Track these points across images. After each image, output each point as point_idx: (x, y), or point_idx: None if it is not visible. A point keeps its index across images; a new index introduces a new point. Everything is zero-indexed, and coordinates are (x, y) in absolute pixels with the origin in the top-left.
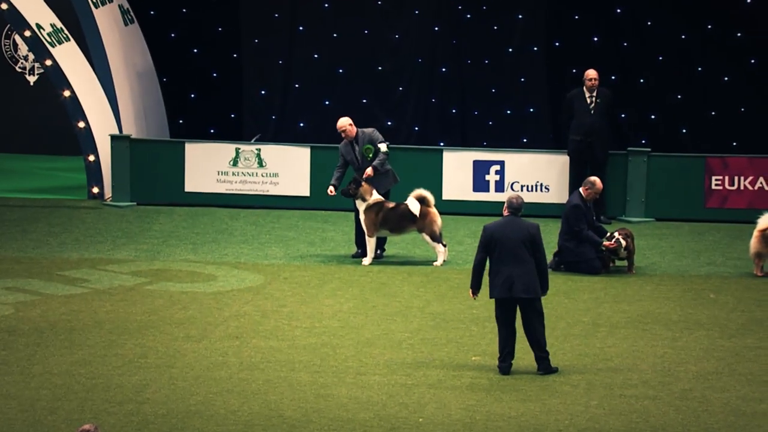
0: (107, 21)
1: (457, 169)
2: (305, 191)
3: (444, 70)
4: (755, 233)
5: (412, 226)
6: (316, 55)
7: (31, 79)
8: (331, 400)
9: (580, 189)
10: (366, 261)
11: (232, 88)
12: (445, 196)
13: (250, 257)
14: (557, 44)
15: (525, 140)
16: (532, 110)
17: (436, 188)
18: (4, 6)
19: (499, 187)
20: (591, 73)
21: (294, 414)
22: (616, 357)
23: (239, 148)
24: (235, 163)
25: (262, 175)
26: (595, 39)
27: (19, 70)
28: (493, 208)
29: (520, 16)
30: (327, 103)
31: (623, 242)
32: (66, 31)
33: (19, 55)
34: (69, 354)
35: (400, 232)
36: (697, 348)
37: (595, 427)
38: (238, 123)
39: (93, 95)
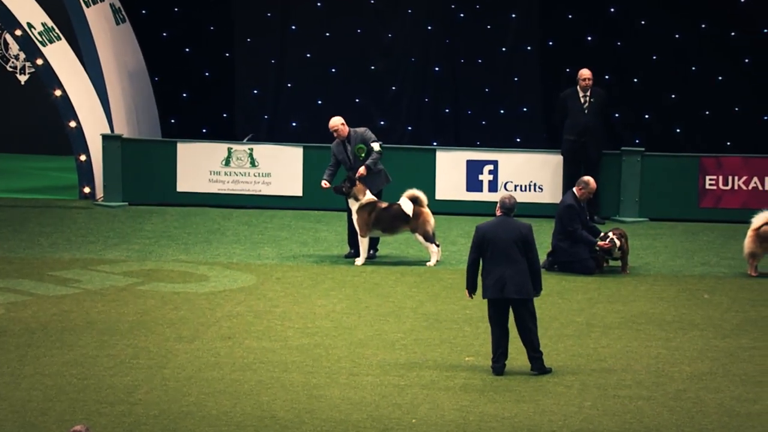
0: (99, 20)
1: (450, 169)
2: (298, 191)
3: (437, 69)
4: (749, 233)
5: (405, 227)
6: (308, 55)
7: (22, 78)
8: (323, 401)
9: (574, 189)
10: (359, 261)
11: (224, 88)
12: (439, 195)
13: (242, 257)
14: (551, 44)
15: (518, 140)
16: (525, 110)
17: (429, 188)
18: None
19: (493, 186)
20: (585, 73)
21: (286, 415)
22: (609, 357)
23: (231, 148)
24: (227, 162)
25: (255, 175)
26: (589, 38)
27: (10, 70)
28: (487, 208)
29: (514, 16)
30: (320, 102)
31: (617, 242)
32: (57, 30)
33: (10, 54)
34: (60, 355)
35: (393, 233)
36: (692, 348)
37: (589, 428)
38: (231, 123)
39: (84, 95)
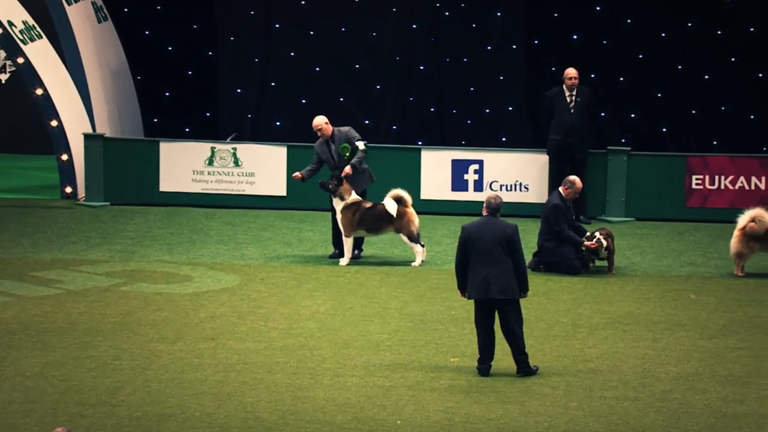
0: (80, 18)
1: (435, 169)
2: (282, 191)
3: (422, 68)
4: (735, 233)
5: (390, 227)
6: (292, 53)
7: (3, 77)
8: (308, 402)
9: (560, 188)
10: (343, 261)
11: (207, 87)
12: (424, 195)
13: (226, 258)
14: (536, 42)
15: (504, 139)
16: (511, 109)
17: (414, 188)
18: None
19: (478, 186)
20: (571, 72)
21: (270, 416)
22: (596, 358)
23: (215, 147)
24: (210, 162)
25: (238, 175)
26: (575, 37)
27: None
28: (472, 207)
29: (499, 14)
30: (304, 101)
31: (604, 242)
32: (38, 29)
33: None
34: (42, 356)
35: (378, 233)
36: (678, 349)
37: (575, 429)
38: (214, 122)
39: (66, 93)
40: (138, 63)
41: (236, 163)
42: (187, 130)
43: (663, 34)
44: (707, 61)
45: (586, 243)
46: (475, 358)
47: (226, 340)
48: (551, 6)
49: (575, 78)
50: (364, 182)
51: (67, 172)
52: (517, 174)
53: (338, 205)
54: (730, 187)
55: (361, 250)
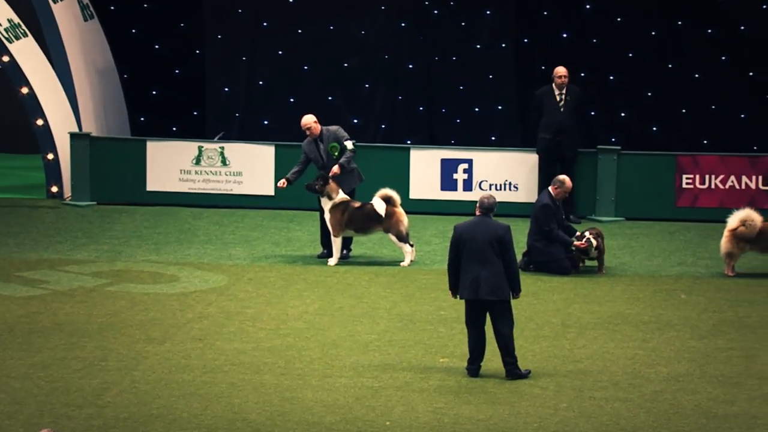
0: (66, 16)
1: (424, 168)
2: (270, 190)
3: (411, 67)
4: (725, 233)
5: (378, 227)
6: (280, 52)
7: None
8: (296, 404)
9: (550, 188)
10: (332, 261)
11: (194, 85)
12: (413, 195)
13: (213, 258)
14: (526, 41)
15: (493, 138)
16: (500, 108)
17: (403, 187)
18: None
19: (468, 186)
20: (560, 70)
21: (258, 417)
22: (586, 359)
23: (202, 147)
24: (198, 161)
25: (226, 174)
26: (565, 35)
27: None
28: (461, 207)
29: (489, 12)
30: (292, 100)
31: (594, 242)
32: (24, 27)
33: None
34: (28, 357)
35: (366, 233)
36: (668, 349)
37: (565, 430)
38: (201, 120)
39: (52, 92)
40: (125, 61)
41: (224, 162)
42: (174, 129)
43: (653, 33)
44: (698, 59)
45: (576, 243)
46: (464, 358)
47: (214, 340)
48: (541, 4)
49: (565, 77)
50: (352, 182)
51: (53, 171)
52: (506, 173)
53: (326, 204)
54: (721, 186)
55: (350, 250)
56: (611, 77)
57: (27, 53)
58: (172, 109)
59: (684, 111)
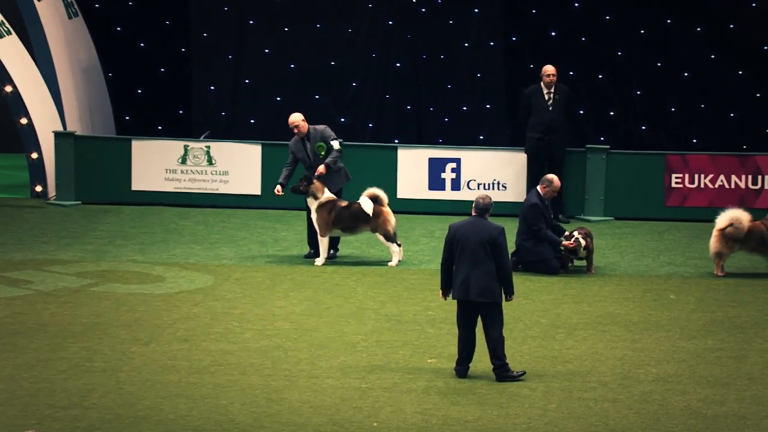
0: (50, 14)
1: (412, 167)
2: (256, 190)
3: (399, 65)
4: (714, 233)
5: (366, 226)
6: (266, 50)
7: None
8: (283, 405)
9: (538, 187)
10: (319, 261)
11: (180, 84)
12: (400, 194)
13: (199, 258)
14: (514, 39)
15: (482, 137)
16: (489, 107)
17: (391, 186)
18: None
19: (456, 185)
20: (549, 69)
21: (245, 419)
22: (575, 359)
23: (188, 146)
24: (183, 160)
25: (212, 173)
26: (553, 34)
27: None
28: (449, 206)
29: (477, 11)
30: (278, 99)
31: (583, 242)
32: (7, 25)
33: None
34: (12, 358)
35: (353, 232)
36: (657, 350)
37: (554, 431)
38: (187, 119)
39: (36, 91)
40: (109, 60)
41: (210, 161)
42: (159, 127)
43: (642, 31)
44: (687, 58)
45: (565, 242)
46: (452, 359)
47: (200, 341)
48: (529, 3)
49: (553, 75)
50: (339, 181)
51: (37, 170)
52: (494, 173)
53: (312, 204)
54: (710, 185)
55: (337, 249)
56: (600, 76)
57: (11, 51)
58: (158, 107)
59: (673, 110)
